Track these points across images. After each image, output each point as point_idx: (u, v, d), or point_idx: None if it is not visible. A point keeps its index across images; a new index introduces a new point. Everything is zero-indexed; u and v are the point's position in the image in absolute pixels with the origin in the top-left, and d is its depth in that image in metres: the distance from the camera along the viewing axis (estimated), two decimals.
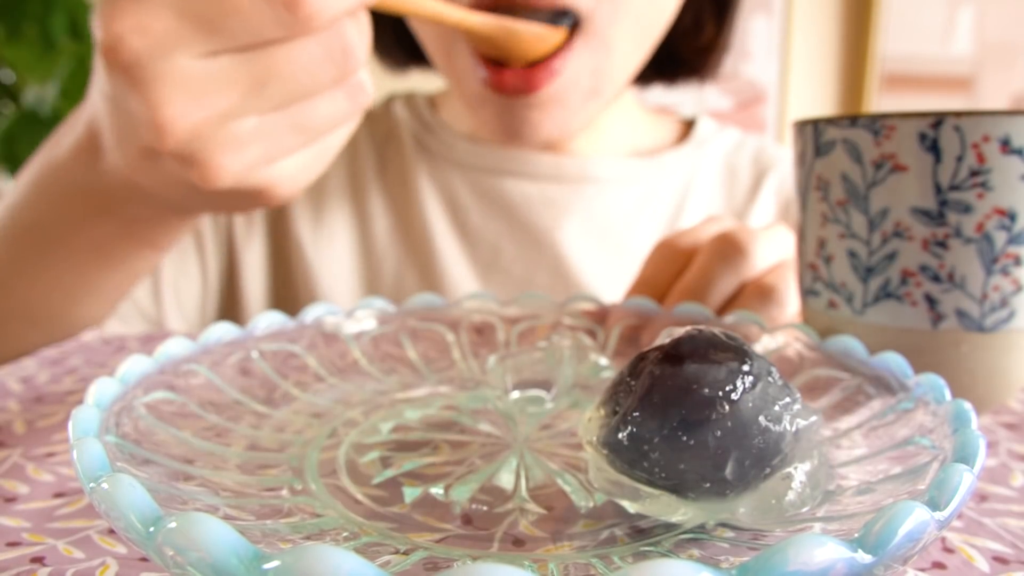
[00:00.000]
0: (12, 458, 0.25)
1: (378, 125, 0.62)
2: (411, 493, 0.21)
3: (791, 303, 0.36)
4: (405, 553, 0.18)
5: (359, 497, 0.21)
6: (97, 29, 0.27)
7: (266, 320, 0.29)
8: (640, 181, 0.59)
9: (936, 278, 0.26)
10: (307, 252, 0.57)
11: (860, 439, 0.22)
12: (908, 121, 0.25)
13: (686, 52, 0.58)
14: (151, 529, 0.13)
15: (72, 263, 0.41)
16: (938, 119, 0.25)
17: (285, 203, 0.33)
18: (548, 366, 0.28)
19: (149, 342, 0.40)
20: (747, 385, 0.18)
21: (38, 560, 0.19)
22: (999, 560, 0.19)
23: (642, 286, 0.38)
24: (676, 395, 0.18)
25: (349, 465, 0.23)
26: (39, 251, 0.41)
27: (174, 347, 0.24)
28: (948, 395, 0.20)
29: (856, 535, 0.13)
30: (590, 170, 0.58)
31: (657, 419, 0.18)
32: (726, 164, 0.63)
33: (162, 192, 0.33)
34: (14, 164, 1.37)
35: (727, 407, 0.17)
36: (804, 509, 0.18)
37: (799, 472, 0.18)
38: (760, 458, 0.18)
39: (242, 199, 0.32)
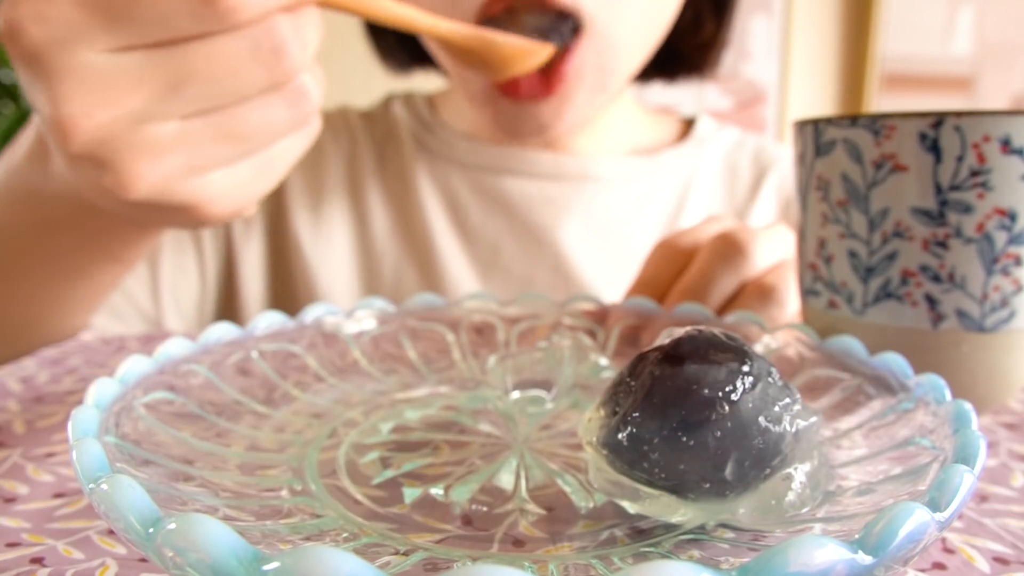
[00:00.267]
0: (12, 458, 0.25)
1: (377, 125, 0.62)
2: (411, 494, 0.21)
3: (791, 303, 0.36)
4: (405, 554, 0.18)
5: (359, 498, 0.21)
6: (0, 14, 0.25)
7: (266, 320, 0.29)
8: (640, 180, 0.59)
9: (936, 278, 0.26)
10: (306, 251, 0.57)
11: (860, 439, 0.22)
12: (908, 121, 0.25)
13: (686, 49, 0.58)
14: (150, 530, 0.13)
15: (32, 275, 0.39)
16: (938, 119, 0.25)
17: (222, 222, 0.30)
18: (548, 366, 0.28)
19: (149, 342, 0.40)
20: (747, 386, 0.18)
21: (38, 561, 0.19)
22: (999, 561, 0.19)
23: (642, 286, 0.38)
24: (676, 396, 0.18)
25: (349, 465, 0.23)
26: None
27: (174, 347, 0.24)
28: (948, 395, 0.20)
29: (856, 536, 0.13)
30: (590, 169, 0.58)
31: (657, 420, 0.18)
32: (726, 163, 0.63)
33: (98, 200, 0.30)
34: None
35: (727, 408, 0.17)
36: (804, 510, 0.18)
37: (799, 473, 0.18)
38: (760, 459, 0.18)
39: (170, 214, 0.29)
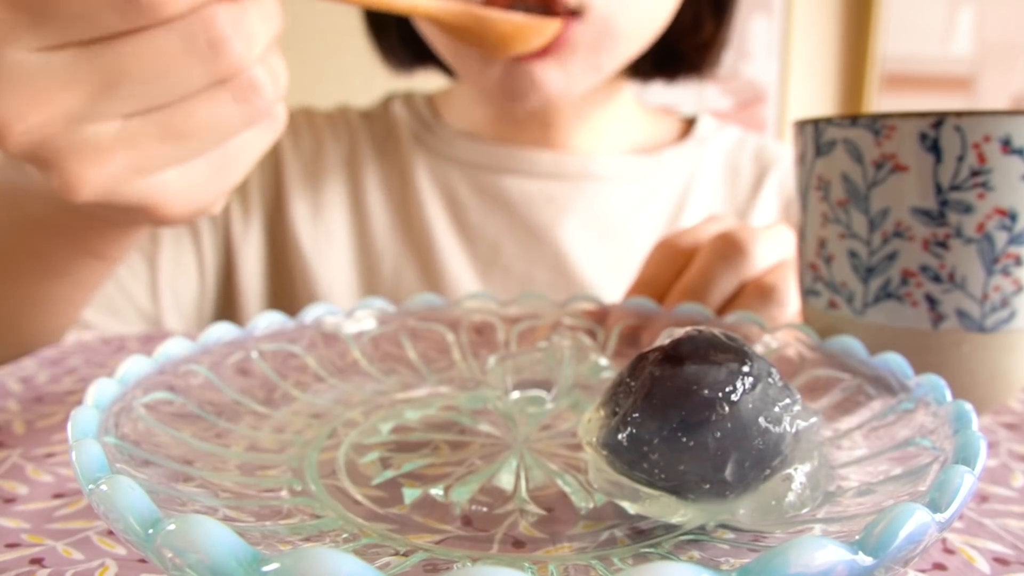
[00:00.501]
0: (11, 458, 0.25)
1: (377, 124, 0.62)
2: (411, 494, 0.21)
3: (791, 303, 0.35)
4: (405, 555, 0.17)
5: (359, 498, 0.21)
6: None
7: (266, 320, 0.29)
8: (641, 178, 0.59)
9: (937, 278, 0.26)
10: (305, 249, 0.57)
11: (860, 440, 0.22)
12: (909, 121, 0.25)
13: (686, 49, 0.58)
14: (150, 531, 0.13)
15: (15, 273, 0.38)
16: (939, 119, 0.24)
17: (186, 220, 0.29)
18: (548, 366, 0.28)
19: (149, 342, 0.40)
20: (747, 386, 0.18)
21: (37, 561, 0.19)
22: (1000, 561, 0.19)
23: (642, 286, 0.38)
24: (676, 396, 0.18)
25: (349, 466, 0.23)
26: None
27: (173, 347, 0.24)
28: (949, 395, 0.20)
29: (857, 537, 0.13)
30: (591, 167, 0.58)
31: (657, 420, 0.18)
32: (727, 162, 0.63)
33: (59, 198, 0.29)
34: None
35: (727, 408, 0.17)
36: (804, 510, 0.18)
37: (799, 473, 0.18)
38: (760, 459, 0.18)
39: (128, 213, 0.28)
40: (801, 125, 0.29)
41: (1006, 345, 0.26)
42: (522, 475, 0.22)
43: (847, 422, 0.23)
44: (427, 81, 0.65)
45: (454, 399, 0.29)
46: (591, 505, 0.20)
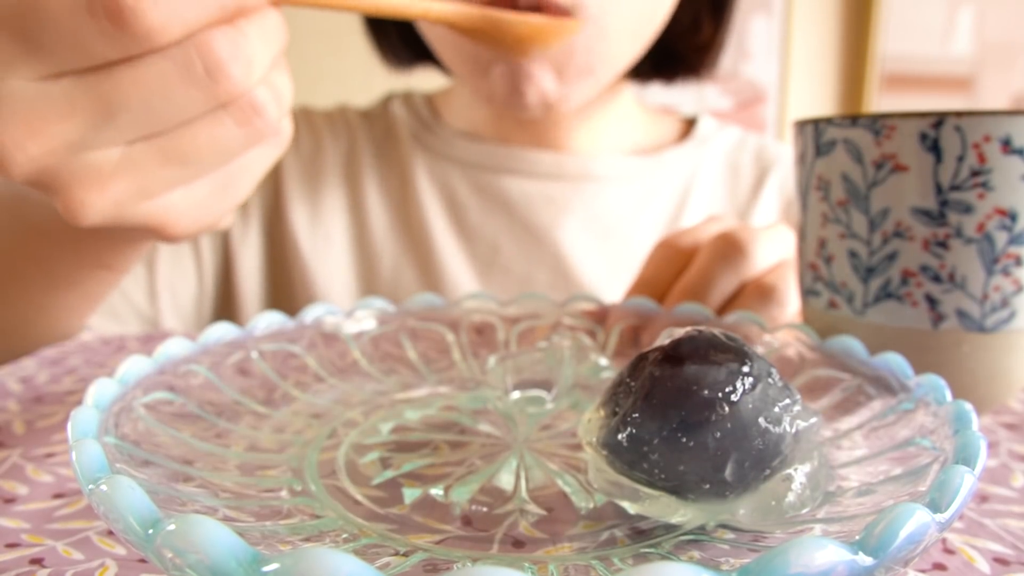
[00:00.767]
0: (11, 458, 0.25)
1: (376, 124, 0.62)
2: (411, 494, 0.21)
3: (791, 303, 0.35)
4: (405, 555, 0.17)
5: (359, 498, 0.21)
6: None
7: (266, 320, 0.29)
8: (641, 179, 0.59)
9: (937, 278, 0.26)
10: (304, 250, 0.57)
11: (860, 440, 0.22)
12: (909, 121, 0.25)
13: (684, 51, 0.58)
14: (150, 531, 0.13)
15: (23, 283, 0.38)
16: (939, 119, 0.24)
17: (192, 237, 0.29)
18: (548, 366, 0.28)
19: (149, 342, 0.40)
20: (747, 386, 0.18)
21: (37, 561, 0.19)
22: (1000, 561, 0.19)
23: (642, 286, 0.38)
24: (676, 396, 0.18)
25: (349, 466, 0.23)
26: None
27: (173, 347, 0.24)
28: (949, 396, 0.20)
29: (857, 537, 0.13)
30: (590, 168, 0.58)
31: (657, 420, 0.18)
32: (728, 162, 0.63)
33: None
34: None
35: (727, 408, 0.17)
36: (804, 510, 0.18)
37: (799, 473, 0.18)
38: (760, 459, 0.18)
39: (134, 233, 0.28)
40: (801, 125, 0.29)
41: (1006, 345, 0.26)
42: (522, 475, 0.22)
43: (847, 422, 0.23)
44: (428, 80, 0.65)
45: (454, 399, 0.29)
46: (591, 505, 0.20)
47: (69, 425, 0.17)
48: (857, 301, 0.27)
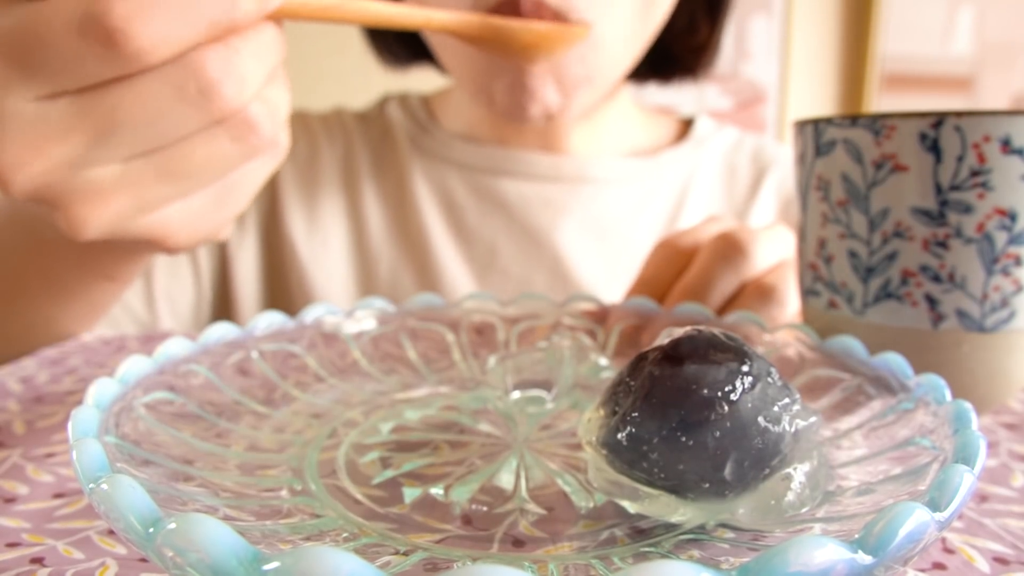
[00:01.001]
0: (12, 458, 0.25)
1: (372, 126, 0.62)
2: (411, 493, 0.21)
3: (791, 303, 0.36)
4: (405, 554, 0.18)
5: (359, 498, 0.21)
6: None
7: (266, 320, 0.29)
8: (638, 181, 0.59)
9: (936, 278, 0.26)
10: (301, 253, 0.56)
11: (860, 439, 0.22)
12: (909, 121, 0.25)
13: (680, 52, 0.58)
14: (150, 530, 0.13)
15: (28, 294, 0.39)
16: (939, 119, 0.24)
17: (191, 248, 0.30)
18: (548, 366, 0.28)
19: (149, 342, 0.40)
20: (746, 386, 0.18)
21: (38, 561, 0.19)
22: (999, 561, 0.19)
23: (642, 286, 0.38)
24: (675, 396, 0.18)
25: (349, 465, 0.23)
26: None
27: (174, 347, 0.24)
28: (948, 395, 0.20)
29: (856, 536, 0.13)
30: (588, 170, 0.58)
31: (656, 420, 0.18)
32: (725, 163, 0.63)
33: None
34: None
35: (726, 408, 0.17)
36: (803, 510, 0.18)
37: (798, 473, 0.18)
38: (759, 459, 0.18)
39: (134, 245, 0.29)
40: (801, 125, 0.29)
41: (1006, 345, 0.26)
42: (522, 475, 0.22)
43: (847, 422, 0.23)
44: (427, 80, 0.64)
45: (454, 399, 0.29)
46: (591, 504, 0.20)
47: (70, 425, 0.17)
48: (857, 301, 0.27)
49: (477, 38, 0.35)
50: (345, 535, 0.18)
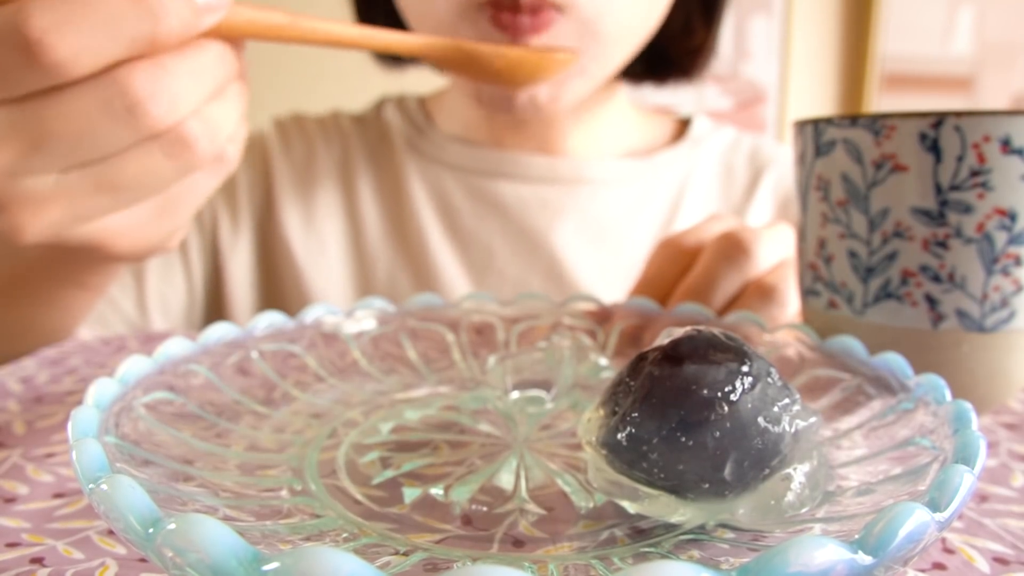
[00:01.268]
0: (12, 458, 0.25)
1: (369, 128, 0.62)
2: (411, 494, 0.21)
3: (792, 303, 0.36)
4: (405, 554, 0.18)
5: (359, 498, 0.21)
6: None
7: (266, 320, 0.29)
8: (635, 181, 0.59)
9: (936, 278, 0.26)
10: (298, 256, 0.56)
11: (860, 440, 0.22)
12: (908, 121, 0.25)
13: (676, 54, 0.58)
14: (150, 530, 0.13)
15: (3, 300, 0.39)
16: (938, 119, 0.24)
17: (140, 259, 0.30)
18: (548, 366, 0.28)
19: (149, 342, 0.40)
20: (746, 386, 0.18)
21: (38, 561, 0.19)
22: (999, 561, 0.19)
23: (646, 285, 0.38)
24: (675, 396, 0.18)
25: (349, 466, 0.23)
26: None
27: (174, 347, 0.24)
28: (948, 395, 0.20)
29: (856, 536, 0.13)
30: (584, 171, 0.57)
31: (656, 420, 0.18)
32: (722, 163, 0.63)
33: None
34: None
35: (726, 408, 0.17)
36: (803, 510, 0.18)
37: (798, 473, 0.18)
38: (759, 459, 0.18)
39: (80, 253, 0.29)
40: (801, 125, 0.29)
41: (1006, 345, 0.26)
42: (522, 475, 0.22)
43: (847, 422, 0.23)
44: (426, 80, 0.64)
45: (454, 399, 0.29)
46: (591, 505, 0.20)
47: (69, 425, 0.17)
48: (857, 301, 0.27)
49: (444, 61, 0.34)
50: (345, 535, 0.18)
